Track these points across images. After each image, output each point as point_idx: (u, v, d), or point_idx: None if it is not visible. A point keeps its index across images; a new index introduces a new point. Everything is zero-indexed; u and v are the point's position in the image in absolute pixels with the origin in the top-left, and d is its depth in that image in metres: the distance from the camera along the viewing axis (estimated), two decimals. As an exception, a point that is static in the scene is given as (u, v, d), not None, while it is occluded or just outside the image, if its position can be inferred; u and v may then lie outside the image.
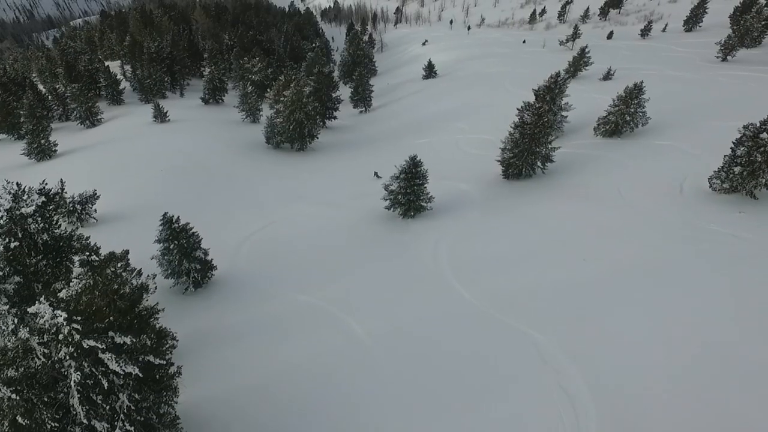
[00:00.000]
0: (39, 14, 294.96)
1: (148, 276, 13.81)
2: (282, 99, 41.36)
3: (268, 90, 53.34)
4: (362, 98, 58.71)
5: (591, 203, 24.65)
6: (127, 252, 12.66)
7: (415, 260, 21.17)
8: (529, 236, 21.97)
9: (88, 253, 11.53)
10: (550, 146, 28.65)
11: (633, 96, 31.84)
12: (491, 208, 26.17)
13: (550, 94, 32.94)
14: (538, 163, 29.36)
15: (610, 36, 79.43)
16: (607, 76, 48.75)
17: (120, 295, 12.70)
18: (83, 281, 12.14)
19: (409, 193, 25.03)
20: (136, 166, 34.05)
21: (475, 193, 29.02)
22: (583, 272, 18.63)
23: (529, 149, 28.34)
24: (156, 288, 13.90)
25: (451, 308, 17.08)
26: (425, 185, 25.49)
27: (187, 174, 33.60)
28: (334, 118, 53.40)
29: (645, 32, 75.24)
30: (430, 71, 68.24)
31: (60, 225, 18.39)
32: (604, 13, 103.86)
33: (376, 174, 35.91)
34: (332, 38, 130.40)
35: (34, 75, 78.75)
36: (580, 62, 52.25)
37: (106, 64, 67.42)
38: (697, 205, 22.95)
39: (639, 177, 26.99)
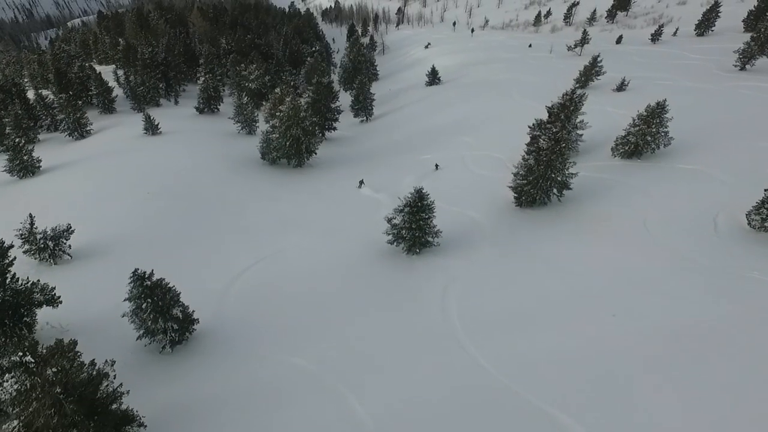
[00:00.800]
0: (38, 14, 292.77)
1: (106, 362, 11.63)
2: (278, 114, 39.03)
3: (263, 102, 51.07)
4: (363, 107, 56.36)
5: (615, 241, 22.32)
6: (75, 342, 10.52)
7: (422, 311, 18.87)
8: (549, 283, 19.64)
9: (21, 353, 9.41)
10: (567, 172, 26.36)
11: (655, 115, 29.46)
12: (504, 244, 23.83)
13: (565, 112, 30.62)
14: (554, 190, 27.05)
15: (619, 40, 76.94)
16: (621, 86, 46.27)
17: (68, 393, 10.51)
18: (18, 381, 9.94)
19: (415, 228, 22.72)
20: (120, 188, 31.77)
21: (485, 223, 26.70)
22: (615, 332, 16.33)
23: (544, 176, 26.03)
24: (116, 375, 11.73)
25: (466, 382, 14.75)
26: (431, 218, 23.18)
27: (176, 197, 31.31)
28: (334, 129, 51.09)
29: (656, 37, 72.63)
30: (433, 77, 65.82)
31: (18, 279, 16.23)
32: (611, 15, 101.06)
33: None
34: (333, 39, 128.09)
35: (25, 80, 76.50)
36: (591, 71, 49.77)
37: (98, 70, 65.25)
38: (734, 246, 20.60)
39: (665, 208, 24.63)
